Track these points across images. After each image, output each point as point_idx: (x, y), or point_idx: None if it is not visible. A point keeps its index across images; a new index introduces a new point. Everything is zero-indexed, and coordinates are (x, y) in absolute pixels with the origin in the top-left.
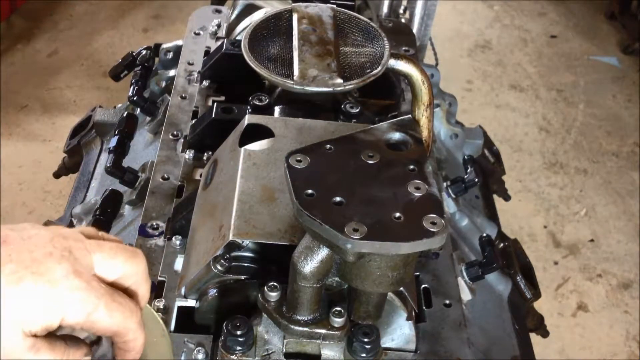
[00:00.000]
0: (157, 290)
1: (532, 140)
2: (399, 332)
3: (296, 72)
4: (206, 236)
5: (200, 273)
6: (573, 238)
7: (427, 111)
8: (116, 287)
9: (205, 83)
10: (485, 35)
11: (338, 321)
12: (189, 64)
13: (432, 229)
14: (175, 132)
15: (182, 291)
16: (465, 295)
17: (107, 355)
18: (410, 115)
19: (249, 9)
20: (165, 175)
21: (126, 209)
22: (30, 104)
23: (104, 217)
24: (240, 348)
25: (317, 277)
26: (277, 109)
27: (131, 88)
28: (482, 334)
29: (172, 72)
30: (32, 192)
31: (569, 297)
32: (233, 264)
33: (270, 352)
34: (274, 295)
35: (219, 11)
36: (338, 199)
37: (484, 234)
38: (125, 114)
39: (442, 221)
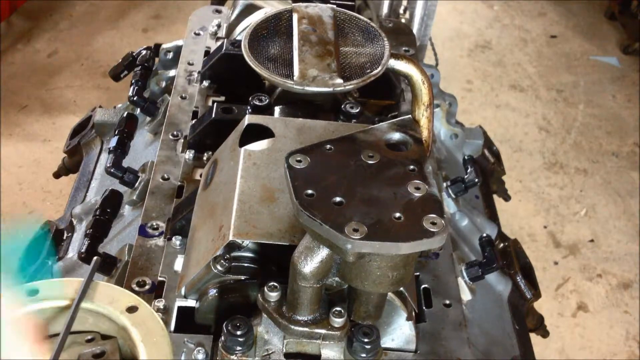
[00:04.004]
0: (157, 290)
1: (532, 140)
2: (399, 332)
3: (296, 72)
4: (206, 236)
5: (200, 273)
6: (573, 238)
7: (427, 111)
8: None
9: (205, 83)
10: (485, 35)
11: (338, 321)
12: (189, 64)
13: (432, 229)
14: (175, 132)
15: (182, 291)
16: (465, 295)
17: None
18: (410, 115)
19: (249, 9)
20: (165, 176)
21: (126, 209)
22: (30, 104)
23: (104, 217)
24: (240, 348)
25: (317, 277)
26: (277, 109)
27: (131, 88)
28: (482, 334)
29: (172, 72)
30: (32, 192)
31: (569, 297)
32: (233, 264)
33: (270, 352)
34: (274, 295)
35: (219, 11)
36: (338, 199)
37: (484, 234)
38: (125, 114)
39: (442, 221)
